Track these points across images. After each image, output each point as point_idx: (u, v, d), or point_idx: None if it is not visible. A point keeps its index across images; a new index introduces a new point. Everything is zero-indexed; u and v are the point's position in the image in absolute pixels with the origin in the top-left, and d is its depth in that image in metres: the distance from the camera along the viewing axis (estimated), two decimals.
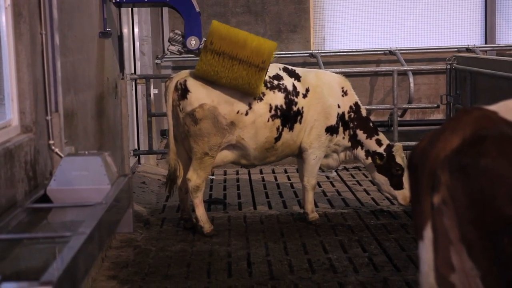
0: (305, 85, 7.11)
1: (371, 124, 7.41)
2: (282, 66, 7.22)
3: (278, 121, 6.92)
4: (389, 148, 7.29)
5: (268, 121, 6.88)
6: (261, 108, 6.85)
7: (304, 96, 7.07)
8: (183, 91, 6.73)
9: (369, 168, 7.41)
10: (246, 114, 6.80)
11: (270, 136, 6.91)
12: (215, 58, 6.54)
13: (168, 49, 7.09)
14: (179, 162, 7.01)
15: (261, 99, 6.86)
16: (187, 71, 6.93)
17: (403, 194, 7.20)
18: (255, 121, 6.83)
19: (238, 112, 6.77)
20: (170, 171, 6.96)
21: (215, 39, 6.54)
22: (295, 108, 7.00)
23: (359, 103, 7.40)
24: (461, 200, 2.17)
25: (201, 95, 6.71)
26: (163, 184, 8.18)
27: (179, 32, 7.14)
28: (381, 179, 7.31)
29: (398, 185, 7.24)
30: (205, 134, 6.69)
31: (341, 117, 7.25)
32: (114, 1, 7.10)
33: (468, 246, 2.16)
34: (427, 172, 2.26)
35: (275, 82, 6.98)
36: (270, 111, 6.89)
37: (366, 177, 9.35)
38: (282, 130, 6.95)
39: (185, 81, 6.76)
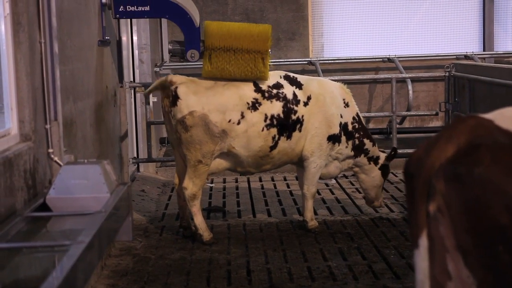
0: (307, 93, 7.10)
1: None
2: (283, 73, 7.19)
3: (274, 130, 6.90)
4: (393, 150, 7.61)
5: (263, 130, 6.86)
6: (254, 118, 6.83)
7: (305, 104, 7.05)
8: (173, 98, 6.73)
9: (369, 170, 7.53)
10: (238, 123, 6.79)
11: (264, 145, 6.89)
12: (217, 56, 6.70)
13: (170, 59, 7.19)
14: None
15: (255, 109, 6.85)
16: (182, 77, 6.92)
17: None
18: (247, 130, 6.80)
19: (230, 121, 6.76)
20: None
21: (212, 38, 6.70)
22: (294, 117, 6.98)
23: (359, 112, 7.49)
24: (457, 208, 2.18)
25: (191, 102, 6.70)
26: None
27: (177, 43, 7.20)
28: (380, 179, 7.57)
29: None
30: (197, 141, 6.68)
31: (343, 127, 7.26)
32: (114, 16, 7.15)
33: (464, 254, 2.17)
34: (422, 181, 2.27)
35: (274, 91, 6.96)
36: (265, 121, 6.86)
37: None
38: (279, 139, 6.93)
39: (176, 88, 6.75)
